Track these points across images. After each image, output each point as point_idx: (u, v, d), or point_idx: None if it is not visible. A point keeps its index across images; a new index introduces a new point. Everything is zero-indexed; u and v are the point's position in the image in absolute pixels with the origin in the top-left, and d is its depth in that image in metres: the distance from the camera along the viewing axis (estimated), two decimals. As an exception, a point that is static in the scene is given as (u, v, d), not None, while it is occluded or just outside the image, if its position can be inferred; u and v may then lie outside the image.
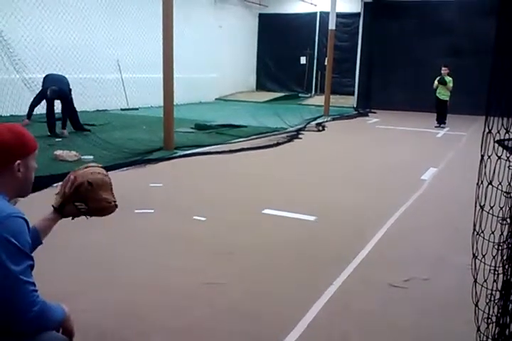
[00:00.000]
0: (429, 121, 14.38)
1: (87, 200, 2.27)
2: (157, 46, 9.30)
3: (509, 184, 1.87)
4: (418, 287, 3.86)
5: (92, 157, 7.83)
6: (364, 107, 18.49)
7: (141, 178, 6.94)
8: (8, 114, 11.75)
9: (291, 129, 12.37)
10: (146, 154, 8.45)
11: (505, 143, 2.09)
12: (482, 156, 1.79)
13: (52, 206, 2.29)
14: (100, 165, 2.45)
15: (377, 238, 4.94)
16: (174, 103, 9.34)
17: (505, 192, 1.85)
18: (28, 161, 1.96)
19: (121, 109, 15.04)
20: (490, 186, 1.92)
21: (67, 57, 12.59)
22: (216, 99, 20.49)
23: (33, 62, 10.93)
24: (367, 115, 17.04)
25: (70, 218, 2.35)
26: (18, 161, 1.90)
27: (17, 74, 10.03)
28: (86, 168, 2.37)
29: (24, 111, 10.02)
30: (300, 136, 11.54)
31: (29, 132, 1.99)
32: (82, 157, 7.78)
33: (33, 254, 1.89)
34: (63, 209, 2.28)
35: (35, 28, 11.96)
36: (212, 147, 9.49)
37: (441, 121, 13.98)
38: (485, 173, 1.84)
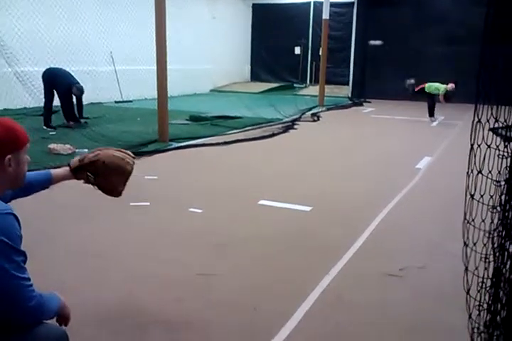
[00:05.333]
0: (423, 111, 14.36)
1: (97, 175, 2.53)
2: (150, 38, 9.25)
3: (499, 172, 1.88)
4: (413, 275, 3.88)
5: (86, 150, 7.80)
6: (359, 97, 18.47)
7: (136, 171, 6.89)
8: (2, 108, 11.70)
9: (286, 120, 12.36)
10: (141, 146, 8.43)
11: (499, 131, 2.09)
12: (472, 145, 1.80)
13: (69, 165, 2.54)
14: (134, 156, 2.74)
15: (372, 227, 4.96)
16: (169, 95, 9.31)
17: (495, 180, 1.87)
18: (19, 156, 1.91)
19: (116, 102, 14.96)
20: (482, 175, 1.93)
21: (60, 50, 12.51)
22: (211, 90, 20.42)
23: (24, 55, 10.86)
24: (361, 105, 17.04)
25: (82, 182, 2.60)
26: (9, 156, 1.86)
27: (9, 68, 9.97)
28: (118, 150, 2.66)
29: (19, 104, 10.00)
30: (295, 126, 11.53)
31: (20, 125, 1.95)
32: (77, 150, 7.76)
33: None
34: (77, 172, 2.53)
35: (27, 20, 11.87)
36: (207, 139, 9.48)
37: (429, 114, 13.48)
38: (474, 163, 1.84)
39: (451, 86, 12.75)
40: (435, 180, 6.95)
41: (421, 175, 7.22)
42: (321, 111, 14.69)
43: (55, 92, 9.93)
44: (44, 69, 10.01)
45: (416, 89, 13.32)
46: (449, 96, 12.78)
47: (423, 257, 4.24)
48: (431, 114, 13.32)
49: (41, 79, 9.89)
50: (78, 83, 10.03)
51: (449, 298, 3.45)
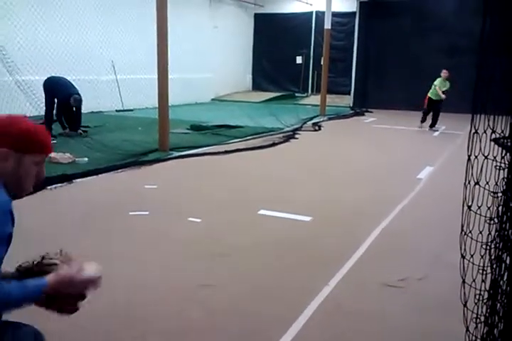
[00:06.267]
0: (425, 121, 14.37)
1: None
2: (152, 47, 9.28)
3: (496, 184, 1.86)
4: (413, 286, 3.86)
5: (86, 159, 7.81)
6: (360, 106, 18.50)
7: (136, 180, 6.92)
8: (3, 117, 11.72)
9: (287, 129, 12.36)
10: (141, 155, 8.43)
11: (501, 141, 2.07)
12: (469, 156, 1.78)
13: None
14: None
15: (372, 237, 4.94)
16: (170, 104, 9.31)
17: (493, 192, 1.85)
18: (23, 158, 1.80)
19: (116, 111, 14.99)
20: (480, 186, 1.92)
21: (61, 59, 12.55)
22: (212, 99, 20.47)
23: (26, 64, 10.89)
24: (363, 114, 17.04)
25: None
26: (6, 149, 1.75)
27: (10, 77, 10.01)
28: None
29: (19, 113, 9.96)
30: (296, 136, 11.53)
31: (47, 138, 1.86)
32: (77, 159, 7.75)
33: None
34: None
35: (29, 29, 11.92)
36: (208, 148, 9.47)
37: (432, 124, 13.37)
38: (472, 174, 1.83)
39: (444, 73, 12.92)
40: (436, 190, 6.92)
41: (422, 185, 7.20)
42: (323, 121, 14.70)
43: (56, 101, 9.97)
44: (45, 78, 10.05)
45: (426, 106, 13.36)
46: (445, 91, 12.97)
47: (424, 267, 4.21)
48: (433, 124, 13.32)
49: (42, 88, 9.92)
50: (78, 93, 10.04)
51: (449, 308, 3.42)
